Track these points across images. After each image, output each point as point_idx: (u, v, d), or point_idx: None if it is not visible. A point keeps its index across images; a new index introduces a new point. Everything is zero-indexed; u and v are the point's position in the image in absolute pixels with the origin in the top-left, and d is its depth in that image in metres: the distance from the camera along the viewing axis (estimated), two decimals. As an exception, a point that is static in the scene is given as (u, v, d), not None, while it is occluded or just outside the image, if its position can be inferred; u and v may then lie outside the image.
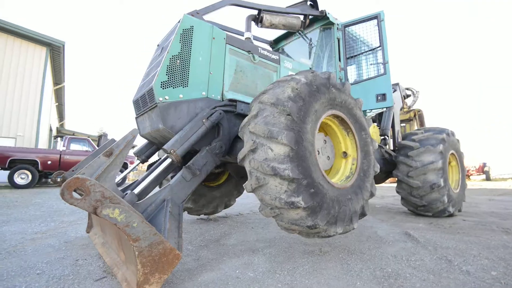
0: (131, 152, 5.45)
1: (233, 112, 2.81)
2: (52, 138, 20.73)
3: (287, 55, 4.78)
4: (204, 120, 2.51)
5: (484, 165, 21.42)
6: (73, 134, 21.42)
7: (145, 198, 2.09)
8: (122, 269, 2.00)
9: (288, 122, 1.99)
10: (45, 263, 2.29)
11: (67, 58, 16.09)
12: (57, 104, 22.00)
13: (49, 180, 13.43)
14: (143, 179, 2.83)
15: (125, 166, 11.40)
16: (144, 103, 2.70)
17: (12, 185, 9.11)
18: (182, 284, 1.85)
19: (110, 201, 1.48)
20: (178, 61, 2.57)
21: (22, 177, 9.29)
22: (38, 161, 9.55)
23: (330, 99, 2.37)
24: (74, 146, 10.70)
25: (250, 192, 2.15)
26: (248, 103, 2.94)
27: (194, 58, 2.67)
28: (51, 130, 20.30)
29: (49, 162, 9.77)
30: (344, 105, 2.52)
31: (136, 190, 2.14)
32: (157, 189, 2.45)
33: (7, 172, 11.56)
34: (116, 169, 1.98)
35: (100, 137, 13.79)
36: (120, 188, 2.34)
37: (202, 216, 4.32)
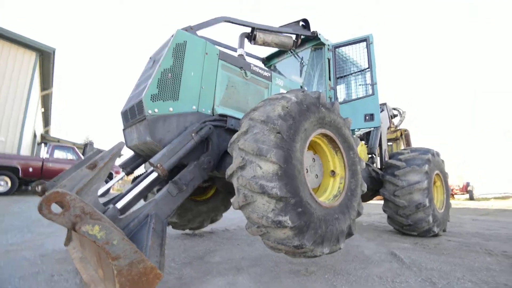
0: (118, 162, 5.33)
1: (223, 127, 2.81)
2: (36, 144, 20.15)
3: (279, 72, 4.87)
4: (193, 134, 2.49)
5: (468, 184, 21.95)
6: (58, 141, 20.86)
7: (128, 213, 2.03)
8: (99, 286, 1.91)
9: (277, 140, 2.00)
10: (19, 278, 2.17)
11: (57, 64, 15.86)
12: (43, 110, 21.51)
13: (29, 187, 12.95)
14: (127, 192, 2.76)
15: (110, 177, 11.13)
16: (132, 114, 2.67)
17: (-11, 192, 8.72)
18: (162, 305, 1.77)
19: (90, 217, 1.42)
20: (170, 74, 2.57)
21: (1, 184, 8.91)
22: (19, 167, 9.21)
23: (319, 118, 2.40)
24: (58, 154, 10.41)
25: (237, 209, 2.12)
26: (239, 119, 2.95)
27: (186, 72, 2.67)
28: (35, 136, 19.74)
29: (30, 170, 9.44)
30: (333, 124, 2.56)
31: (119, 205, 2.08)
32: (141, 203, 2.38)
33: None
34: (100, 182, 1.92)
35: (86, 145, 13.50)
36: (103, 202, 2.27)
37: (187, 231, 4.22)
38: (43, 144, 12.56)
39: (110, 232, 1.45)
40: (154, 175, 2.26)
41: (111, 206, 1.94)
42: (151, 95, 2.43)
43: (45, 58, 14.52)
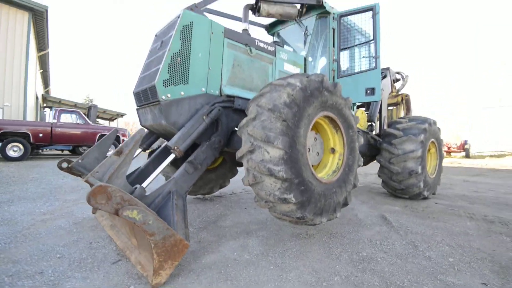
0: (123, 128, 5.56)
1: (231, 107, 2.99)
2: (39, 108, 20.23)
3: (283, 40, 4.85)
4: (204, 117, 2.69)
5: (465, 142, 22.38)
6: (60, 102, 20.89)
7: (153, 191, 2.33)
8: (134, 253, 2.28)
9: (283, 127, 2.21)
10: (62, 246, 2.55)
11: (51, 24, 15.20)
12: (41, 71, 21.14)
13: (40, 151, 13.40)
14: (146, 167, 3.06)
15: (117, 139, 11.48)
16: (145, 97, 2.84)
17: (5, 157, 9.14)
18: (189, 266, 2.16)
19: (129, 204, 1.71)
20: (179, 58, 2.68)
21: (15, 150, 9.29)
22: (30, 133, 9.51)
23: (322, 102, 2.58)
24: (65, 118, 10.62)
25: (247, 185, 2.41)
26: (245, 98, 3.11)
27: (194, 55, 2.77)
28: (37, 98, 19.73)
29: (40, 135, 9.74)
30: (335, 106, 2.73)
31: (144, 184, 2.37)
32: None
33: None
34: (126, 166, 2.18)
35: (89, 108, 13.63)
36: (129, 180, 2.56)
37: (199, 196, 4.62)
38: (47, 109, 12.67)
39: (146, 214, 1.75)
40: (171, 156, 2.51)
41: (138, 186, 2.22)
42: (163, 80, 2.58)
43: (38, 17, 13.95)
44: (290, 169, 2.19)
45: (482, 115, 25.26)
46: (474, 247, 2.66)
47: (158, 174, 2.53)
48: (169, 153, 2.71)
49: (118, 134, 11.45)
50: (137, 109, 3.14)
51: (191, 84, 2.75)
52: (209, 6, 3.40)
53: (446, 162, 17.86)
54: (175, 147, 2.44)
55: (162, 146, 3.37)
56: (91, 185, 2.09)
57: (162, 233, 1.82)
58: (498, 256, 2.48)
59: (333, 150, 2.91)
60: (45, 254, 2.36)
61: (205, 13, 3.17)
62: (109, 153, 3.15)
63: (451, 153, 22.84)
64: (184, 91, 2.70)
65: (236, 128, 2.96)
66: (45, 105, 20.20)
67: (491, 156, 22.17)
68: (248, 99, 3.10)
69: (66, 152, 13.99)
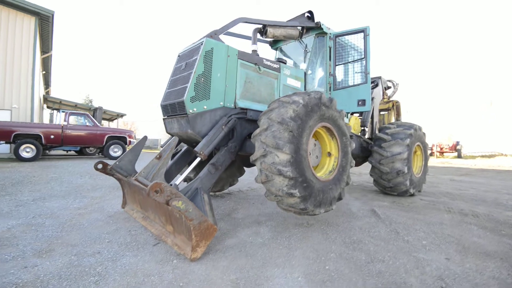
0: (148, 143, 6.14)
1: (244, 118, 3.55)
2: (45, 107, 20.60)
3: (285, 53, 5.42)
4: (223, 127, 3.26)
5: (457, 143, 23.19)
6: (60, 102, 21.29)
7: (183, 187, 2.89)
8: (170, 237, 2.84)
9: (290, 137, 2.78)
10: (106, 233, 3.10)
11: (55, 26, 15.62)
12: (44, 72, 21.53)
13: (47, 151, 13.84)
14: (170, 167, 3.63)
15: (123, 140, 11.98)
16: (173, 110, 3.39)
17: (18, 158, 9.61)
18: (215, 247, 2.72)
19: (175, 196, 2.27)
20: (203, 79, 3.24)
21: (27, 151, 9.77)
22: (42, 135, 10.00)
23: (320, 115, 3.15)
24: (74, 120, 11.11)
25: (259, 183, 2.97)
26: (255, 110, 3.68)
27: (214, 75, 3.33)
28: (40, 99, 20.11)
29: (52, 137, 10.23)
30: (331, 118, 3.31)
31: (177, 182, 2.92)
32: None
33: (9, 145, 11.95)
34: (165, 167, 2.74)
35: (95, 110, 14.11)
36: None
37: (211, 193, 5.17)
38: (55, 110, 13.13)
39: (187, 204, 2.30)
40: (197, 160, 3.07)
41: (173, 184, 2.78)
42: (190, 97, 3.14)
43: (44, 21, 14.39)
44: (295, 169, 2.76)
45: (473, 117, 26.08)
46: (445, 234, 3.25)
47: (186, 174, 3.09)
48: (190, 156, 3.26)
49: (125, 136, 11.96)
50: (164, 119, 3.69)
51: (212, 99, 3.31)
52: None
53: (438, 162, 18.58)
54: (201, 152, 3.00)
55: (183, 149, 3.93)
56: (140, 183, 2.64)
57: (198, 219, 2.38)
58: (463, 240, 3.07)
59: (329, 154, 3.48)
60: (95, 239, 2.90)
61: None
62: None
63: (444, 154, 23.61)
64: (207, 105, 3.26)
65: (248, 136, 3.54)
66: (50, 106, 20.56)
67: (482, 156, 22.98)
68: (258, 111, 3.67)
69: (72, 152, 14.47)
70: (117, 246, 2.75)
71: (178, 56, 3.81)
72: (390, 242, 2.94)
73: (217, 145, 3.23)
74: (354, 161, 3.67)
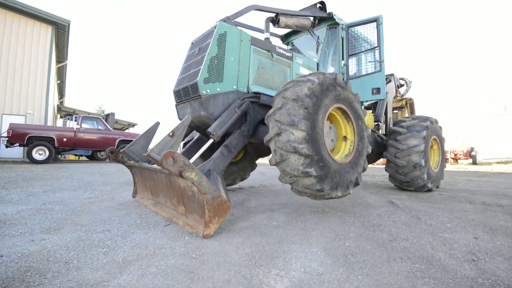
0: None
1: (257, 102, 3.50)
2: (58, 117, 21.10)
3: (297, 49, 5.40)
4: (236, 109, 3.20)
5: (472, 149, 22.54)
6: (74, 112, 21.79)
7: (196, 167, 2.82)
8: (181, 218, 2.75)
9: (305, 113, 2.70)
10: (117, 216, 3.04)
11: (71, 36, 16.19)
12: (58, 82, 22.16)
13: (60, 156, 14.06)
14: (184, 153, 3.57)
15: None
16: (186, 93, 3.37)
17: (31, 160, 9.75)
18: (228, 228, 2.62)
19: (189, 167, 2.20)
20: (216, 61, 3.22)
21: (40, 153, 9.91)
22: (55, 138, 10.15)
23: (336, 95, 3.07)
24: (86, 125, 11.28)
25: (273, 165, 2.87)
26: (269, 95, 3.62)
27: (227, 58, 3.31)
28: (54, 108, 20.62)
29: (64, 140, 10.38)
30: (346, 99, 3.22)
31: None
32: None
33: (22, 148, 12.17)
34: (177, 145, 2.68)
35: (107, 115, 14.35)
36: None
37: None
38: (67, 117, 13.39)
39: (201, 177, 2.23)
40: (210, 141, 3.00)
41: (186, 162, 2.71)
42: (204, 78, 3.11)
43: (60, 31, 14.90)
44: (312, 147, 2.66)
45: (488, 123, 25.47)
46: (470, 218, 3.07)
47: (198, 155, 3.02)
48: (202, 144, 3.21)
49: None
50: (176, 105, 3.66)
51: (225, 82, 3.28)
52: (238, 20, 3.96)
53: (453, 168, 18.07)
54: (214, 133, 2.94)
55: (196, 137, 3.89)
56: (152, 159, 2.58)
57: (212, 193, 2.29)
58: (489, 223, 2.88)
59: (345, 138, 3.37)
60: (105, 221, 2.84)
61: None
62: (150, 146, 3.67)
63: (458, 160, 22.97)
64: (220, 88, 3.23)
65: (261, 122, 3.48)
66: (63, 114, 21.03)
67: (498, 162, 22.26)
68: (271, 96, 3.61)
69: (84, 158, 14.66)
70: (127, 226, 2.68)
71: (192, 43, 3.81)
72: (412, 225, 2.78)
73: (230, 128, 3.17)
74: (370, 147, 3.55)
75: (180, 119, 3.68)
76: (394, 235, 2.44)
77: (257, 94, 3.53)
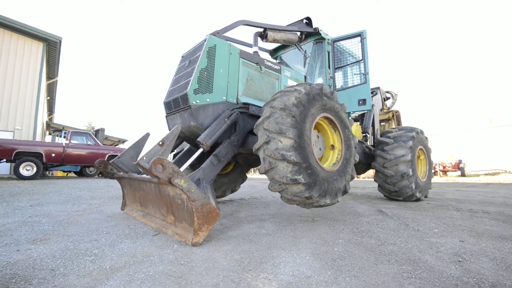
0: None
1: (246, 113, 3.56)
2: (47, 133, 20.79)
3: (285, 63, 5.56)
4: (226, 119, 3.25)
5: (460, 162, 23.01)
6: (63, 128, 21.54)
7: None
8: (170, 228, 2.72)
9: (293, 122, 2.77)
10: (105, 227, 2.99)
11: (62, 53, 16.24)
12: (48, 98, 22.00)
13: (47, 173, 13.77)
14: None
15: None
16: (176, 104, 3.42)
17: (18, 176, 9.51)
18: (217, 236, 2.61)
19: (178, 174, 2.21)
20: (205, 73, 3.30)
21: (27, 169, 9.69)
22: (43, 153, 9.98)
23: (322, 105, 3.16)
24: (76, 140, 11.14)
25: (262, 173, 2.91)
26: (257, 106, 3.70)
27: (217, 70, 3.40)
28: (43, 125, 20.35)
29: (53, 155, 10.20)
30: (332, 109, 3.32)
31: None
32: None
33: (9, 164, 11.89)
34: (168, 154, 2.70)
35: (97, 131, 14.22)
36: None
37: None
38: (56, 133, 13.21)
39: (190, 184, 2.24)
40: (200, 150, 3.03)
41: (175, 171, 2.72)
42: (194, 89, 3.17)
43: (51, 47, 14.95)
44: (299, 154, 2.71)
45: (475, 135, 26.17)
46: (457, 224, 3.13)
47: (188, 165, 3.04)
48: (192, 155, 3.23)
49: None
50: (166, 116, 3.70)
51: (214, 93, 3.35)
52: (226, 34, 4.09)
53: (442, 180, 18.35)
54: (204, 142, 2.97)
55: (185, 148, 3.91)
56: (141, 167, 2.58)
57: (201, 201, 2.30)
58: (476, 228, 2.95)
59: (332, 147, 3.45)
60: (93, 231, 2.80)
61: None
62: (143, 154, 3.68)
63: (447, 173, 23.35)
64: (209, 98, 3.29)
65: (250, 132, 3.53)
66: (52, 130, 20.74)
67: (486, 174, 22.72)
68: (260, 107, 3.69)
69: (72, 174, 14.37)
70: (115, 236, 2.64)
71: (182, 56, 3.90)
72: (400, 231, 2.82)
73: (220, 138, 3.21)
74: (357, 155, 3.62)
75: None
76: (382, 240, 2.47)
77: (246, 105, 3.60)
